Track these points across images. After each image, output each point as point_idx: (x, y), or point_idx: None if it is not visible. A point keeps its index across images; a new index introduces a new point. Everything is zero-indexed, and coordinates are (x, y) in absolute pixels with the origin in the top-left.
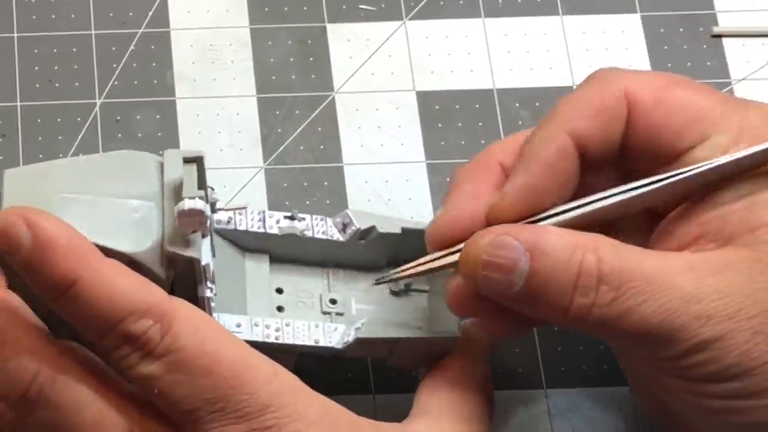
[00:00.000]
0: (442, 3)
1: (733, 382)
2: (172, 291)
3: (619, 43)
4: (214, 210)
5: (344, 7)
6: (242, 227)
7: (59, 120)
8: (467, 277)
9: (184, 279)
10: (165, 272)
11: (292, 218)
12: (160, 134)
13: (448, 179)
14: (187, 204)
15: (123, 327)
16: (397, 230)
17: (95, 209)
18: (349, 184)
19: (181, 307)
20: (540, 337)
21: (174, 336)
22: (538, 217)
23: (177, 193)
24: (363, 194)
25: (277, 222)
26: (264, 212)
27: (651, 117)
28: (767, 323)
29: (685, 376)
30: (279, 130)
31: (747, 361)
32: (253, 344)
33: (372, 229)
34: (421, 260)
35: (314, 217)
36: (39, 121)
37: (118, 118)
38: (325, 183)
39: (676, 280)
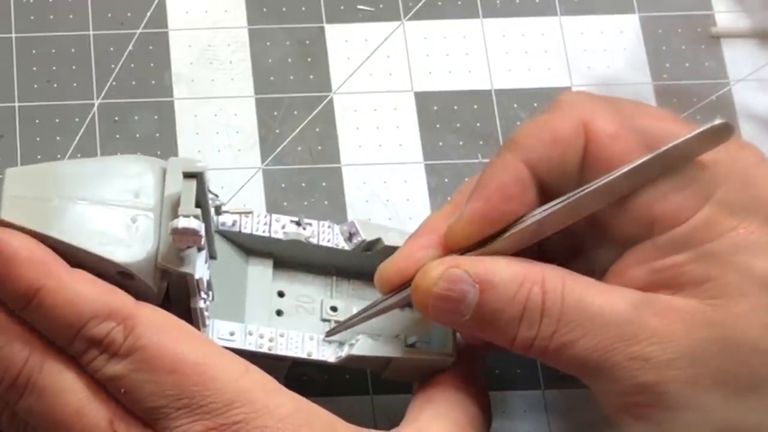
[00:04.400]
0: (440, 3)
1: (671, 425)
2: (166, 299)
3: (617, 44)
4: (218, 213)
5: (342, 7)
6: (247, 230)
7: (57, 120)
8: (418, 305)
9: (178, 288)
10: (157, 284)
11: (298, 224)
12: (158, 135)
13: (446, 180)
14: (181, 222)
15: (86, 330)
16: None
17: (92, 215)
18: (348, 185)
19: (144, 310)
20: None
21: (136, 336)
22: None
23: (175, 207)
24: (361, 195)
25: (283, 227)
26: (270, 216)
27: (608, 150)
28: (702, 375)
29: (624, 411)
30: (277, 131)
31: (681, 409)
32: (246, 352)
33: (378, 241)
34: (372, 303)
35: (321, 223)
36: (37, 121)
37: (116, 118)
38: (324, 184)
39: (616, 318)
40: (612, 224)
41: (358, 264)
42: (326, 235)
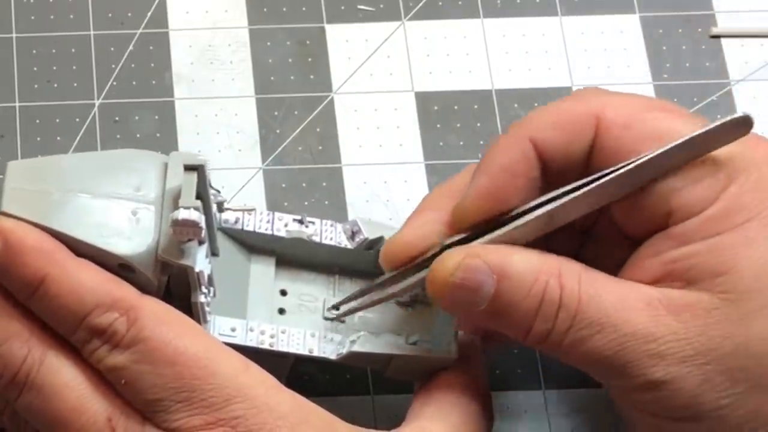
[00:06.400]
0: (440, 3)
1: (684, 423)
2: (167, 292)
3: (617, 44)
4: (221, 210)
5: (343, 7)
6: (250, 228)
7: (58, 120)
8: (434, 294)
9: (179, 282)
10: (158, 277)
11: (301, 222)
12: (158, 135)
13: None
14: (181, 214)
15: (90, 320)
16: None
17: (93, 208)
18: (348, 185)
19: (148, 302)
20: None
21: (139, 328)
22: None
23: (176, 200)
24: (362, 195)
25: (286, 225)
26: (273, 214)
27: (619, 140)
28: (717, 372)
29: (638, 408)
30: (278, 131)
31: (696, 406)
32: (248, 348)
33: (380, 239)
34: (378, 281)
35: (323, 222)
36: (37, 121)
37: (117, 118)
38: (324, 184)
39: (631, 315)
40: (626, 217)
41: (360, 262)
42: (329, 233)
